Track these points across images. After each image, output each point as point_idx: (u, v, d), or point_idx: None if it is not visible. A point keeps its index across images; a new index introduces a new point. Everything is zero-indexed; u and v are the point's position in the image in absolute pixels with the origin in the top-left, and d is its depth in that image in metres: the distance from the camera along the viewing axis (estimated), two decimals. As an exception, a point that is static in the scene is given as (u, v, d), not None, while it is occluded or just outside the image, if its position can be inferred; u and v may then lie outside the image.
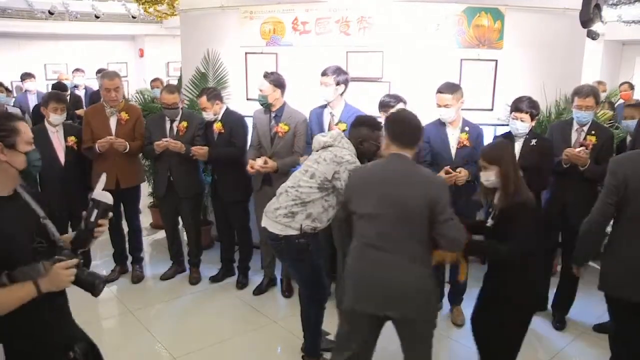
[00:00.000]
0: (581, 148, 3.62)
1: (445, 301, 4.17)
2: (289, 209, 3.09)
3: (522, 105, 3.68)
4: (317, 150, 3.17)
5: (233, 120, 4.40)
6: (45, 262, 1.91)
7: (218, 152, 4.35)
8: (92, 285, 2.00)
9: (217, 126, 4.36)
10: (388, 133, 2.64)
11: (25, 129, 2.01)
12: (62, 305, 2.15)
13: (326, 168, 3.03)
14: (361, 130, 3.16)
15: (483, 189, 2.89)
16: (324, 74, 3.97)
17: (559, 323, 4.00)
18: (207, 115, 4.36)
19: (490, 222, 2.87)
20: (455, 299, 4.10)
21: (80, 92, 8.34)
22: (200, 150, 4.29)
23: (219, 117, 4.38)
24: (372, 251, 2.54)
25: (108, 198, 2.19)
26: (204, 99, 4.32)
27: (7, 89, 6.93)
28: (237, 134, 4.36)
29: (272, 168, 4.07)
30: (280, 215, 3.11)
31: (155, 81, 8.25)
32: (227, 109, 4.45)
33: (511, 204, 2.69)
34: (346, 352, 2.70)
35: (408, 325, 2.60)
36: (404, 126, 2.63)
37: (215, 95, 4.36)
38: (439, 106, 3.77)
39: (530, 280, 2.82)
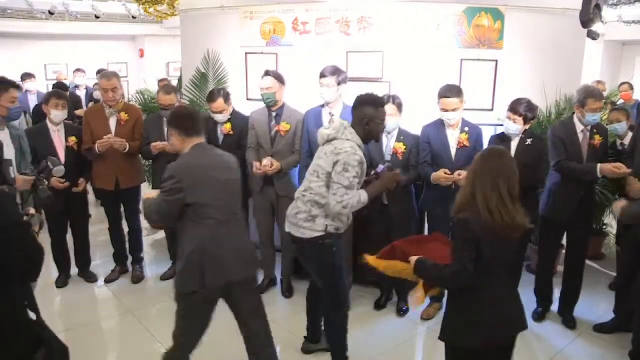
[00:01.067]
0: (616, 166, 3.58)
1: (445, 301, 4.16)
2: (308, 213, 3.02)
3: (519, 107, 3.68)
4: (322, 145, 3.09)
5: (243, 123, 4.37)
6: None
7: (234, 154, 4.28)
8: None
9: (226, 127, 4.34)
10: (181, 129, 2.78)
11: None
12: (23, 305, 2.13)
13: (326, 162, 2.96)
14: (365, 109, 3.03)
15: None
16: (322, 75, 3.94)
17: (570, 322, 3.98)
18: (222, 117, 4.31)
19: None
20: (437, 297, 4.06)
21: (81, 92, 8.34)
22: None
23: (226, 118, 4.35)
24: (221, 229, 2.75)
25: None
26: (220, 101, 4.25)
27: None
28: (246, 136, 4.32)
29: (277, 169, 4.07)
30: (302, 219, 3.04)
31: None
32: (234, 110, 4.43)
33: (457, 213, 2.34)
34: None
35: (249, 284, 3.01)
36: (194, 119, 2.84)
37: (228, 96, 4.35)
38: (445, 110, 3.75)
39: (465, 320, 2.36)
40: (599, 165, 3.63)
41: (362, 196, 2.97)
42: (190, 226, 2.77)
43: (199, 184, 2.70)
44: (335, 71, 3.94)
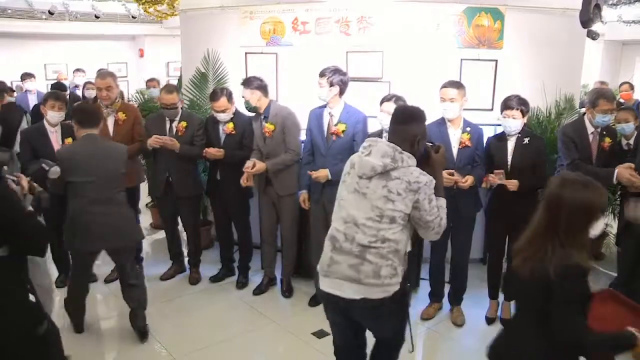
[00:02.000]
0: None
1: (445, 301, 4.16)
2: (392, 266, 2.42)
3: (512, 102, 3.67)
4: (371, 178, 2.43)
5: (246, 123, 4.37)
6: None
7: (233, 155, 4.28)
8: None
9: (229, 127, 4.33)
10: (77, 121, 3.55)
11: None
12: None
13: (404, 203, 2.38)
14: (417, 126, 2.54)
15: None
16: (321, 74, 3.92)
17: None
18: (225, 117, 4.29)
19: None
20: (456, 299, 4.10)
21: (81, 92, 8.34)
22: (217, 153, 4.24)
23: (229, 117, 4.34)
24: (95, 206, 3.42)
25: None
26: (224, 100, 4.23)
27: (11, 89, 6.92)
28: (249, 136, 4.32)
29: (261, 169, 4.09)
30: (387, 276, 2.41)
31: (151, 81, 8.21)
32: (237, 110, 4.42)
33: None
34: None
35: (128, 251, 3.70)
36: (88, 113, 3.59)
37: (232, 95, 4.35)
38: (444, 100, 3.73)
39: None
40: (616, 170, 3.57)
41: (441, 202, 2.54)
42: (70, 199, 3.48)
43: (76, 167, 3.38)
44: (333, 71, 3.88)
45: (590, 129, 3.80)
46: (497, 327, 3.93)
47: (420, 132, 2.54)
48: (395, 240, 2.42)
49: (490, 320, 3.99)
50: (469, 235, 3.97)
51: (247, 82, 4.16)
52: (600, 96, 3.72)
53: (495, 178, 3.67)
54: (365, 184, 2.43)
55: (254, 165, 4.07)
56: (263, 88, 4.16)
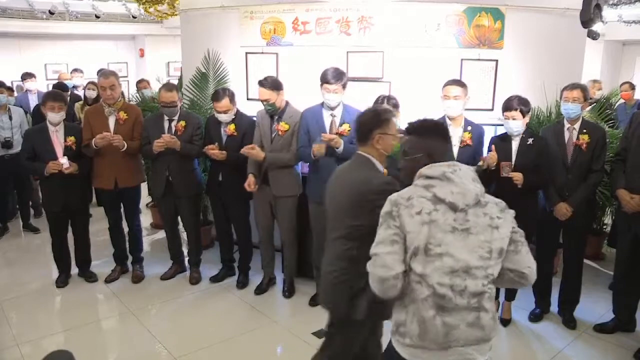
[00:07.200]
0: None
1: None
2: (492, 313, 2.00)
3: (512, 103, 3.67)
4: (468, 207, 1.98)
5: (247, 124, 4.35)
6: None
7: (236, 157, 4.23)
8: None
9: (230, 128, 4.31)
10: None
11: None
12: None
13: (506, 226, 2.01)
14: (433, 141, 2.18)
15: None
16: (327, 81, 3.89)
17: (570, 322, 3.96)
18: (227, 117, 4.28)
19: None
20: None
21: (80, 92, 8.33)
22: (220, 155, 4.22)
23: (231, 118, 4.32)
24: None
25: None
26: (226, 101, 4.21)
27: (9, 89, 6.91)
28: (249, 138, 4.27)
29: (259, 157, 4.06)
30: (490, 322, 1.99)
31: (141, 82, 8.17)
32: (238, 111, 4.41)
33: None
34: None
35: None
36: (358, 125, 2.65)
37: (234, 96, 4.33)
38: (447, 98, 3.75)
39: None
40: (620, 192, 3.60)
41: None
42: None
43: None
44: (339, 76, 3.90)
45: (566, 124, 3.80)
46: (497, 327, 3.94)
47: (438, 149, 2.20)
48: (496, 272, 2.00)
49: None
50: None
51: (276, 85, 4.09)
52: (563, 88, 3.77)
53: (494, 156, 3.63)
54: (463, 218, 1.96)
55: (253, 148, 4.03)
56: (282, 88, 4.14)
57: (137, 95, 7.03)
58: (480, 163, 3.66)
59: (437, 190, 1.98)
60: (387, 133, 2.56)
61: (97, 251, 4.95)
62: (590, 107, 4.93)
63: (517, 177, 3.59)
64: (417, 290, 1.94)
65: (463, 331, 1.93)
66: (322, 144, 3.85)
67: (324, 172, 3.63)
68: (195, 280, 4.70)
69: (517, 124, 3.68)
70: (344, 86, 3.94)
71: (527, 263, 2.01)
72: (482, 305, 1.95)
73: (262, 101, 4.10)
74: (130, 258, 4.87)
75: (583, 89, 3.77)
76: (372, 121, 2.59)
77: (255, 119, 4.33)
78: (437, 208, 1.95)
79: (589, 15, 4.01)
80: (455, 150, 3.79)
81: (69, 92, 7.39)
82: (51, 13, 9.31)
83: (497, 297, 4.01)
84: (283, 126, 4.11)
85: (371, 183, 2.45)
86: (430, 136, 2.16)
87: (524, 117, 3.68)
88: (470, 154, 3.77)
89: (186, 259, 4.89)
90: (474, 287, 1.92)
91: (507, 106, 3.70)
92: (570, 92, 3.72)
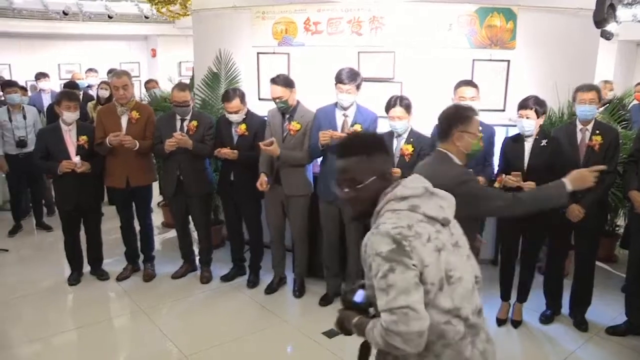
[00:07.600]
0: None
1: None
2: None
3: (528, 102, 3.64)
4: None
5: (258, 124, 4.36)
6: None
7: (248, 156, 4.26)
8: None
9: (241, 128, 4.32)
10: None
11: None
12: None
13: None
14: (381, 158, 1.88)
15: None
16: (341, 81, 3.89)
17: (582, 324, 3.92)
18: (238, 117, 4.29)
19: None
20: None
21: (94, 92, 8.41)
22: (232, 154, 4.23)
23: (242, 118, 4.33)
24: None
25: None
26: (237, 101, 4.23)
27: (23, 88, 6.99)
28: (260, 138, 4.26)
29: (275, 152, 4.04)
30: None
31: (149, 82, 8.22)
32: (249, 111, 4.42)
33: None
34: None
35: None
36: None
37: (244, 96, 4.34)
38: (464, 99, 3.73)
39: None
40: (632, 193, 3.61)
41: None
42: None
43: None
44: (353, 76, 3.91)
45: (579, 125, 3.76)
46: (508, 329, 3.92)
47: None
48: None
49: (501, 322, 3.97)
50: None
51: (288, 82, 4.10)
52: (577, 90, 3.72)
53: (513, 179, 3.52)
54: (449, 232, 1.76)
55: (271, 144, 4.01)
56: (294, 86, 4.15)
57: (147, 95, 7.06)
58: (497, 184, 3.61)
59: (425, 208, 1.70)
60: (468, 131, 2.54)
61: (108, 249, 4.99)
62: (602, 107, 4.90)
63: (529, 186, 3.42)
64: (450, 332, 1.65)
65: (490, 352, 1.77)
66: (327, 131, 3.86)
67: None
68: (206, 279, 4.72)
69: (529, 123, 3.64)
70: (357, 87, 3.94)
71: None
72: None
73: (274, 99, 4.11)
74: (141, 257, 4.90)
75: (597, 90, 3.74)
76: (453, 117, 2.58)
77: (266, 118, 4.34)
78: (437, 229, 1.70)
79: (602, 15, 3.97)
80: None
81: (82, 92, 7.45)
82: (65, 14, 9.41)
83: (507, 299, 4.01)
84: (295, 125, 4.12)
85: (447, 176, 2.39)
86: (377, 153, 1.80)
87: (538, 117, 3.65)
88: (481, 155, 3.74)
89: (197, 258, 4.92)
90: (480, 301, 1.77)
91: (523, 104, 3.67)
92: (586, 94, 3.68)
